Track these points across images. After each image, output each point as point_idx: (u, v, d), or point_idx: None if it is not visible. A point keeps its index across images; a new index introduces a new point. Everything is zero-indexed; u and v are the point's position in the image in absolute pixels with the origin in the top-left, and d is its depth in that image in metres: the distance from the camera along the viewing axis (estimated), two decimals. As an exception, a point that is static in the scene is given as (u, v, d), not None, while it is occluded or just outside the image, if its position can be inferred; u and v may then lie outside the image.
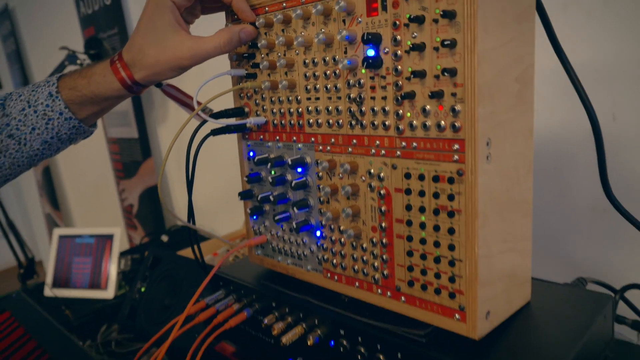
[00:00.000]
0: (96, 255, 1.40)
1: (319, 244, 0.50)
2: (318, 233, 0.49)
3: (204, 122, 0.52)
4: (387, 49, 0.39)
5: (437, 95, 0.36)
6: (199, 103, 0.53)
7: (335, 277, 0.49)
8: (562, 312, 0.43)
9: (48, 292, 1.35)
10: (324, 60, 0.44)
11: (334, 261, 0.48)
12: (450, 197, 0.37)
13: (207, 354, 0.56)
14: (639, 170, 0.66)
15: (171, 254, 0.94)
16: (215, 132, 0.53)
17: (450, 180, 0.37)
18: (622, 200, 0.51)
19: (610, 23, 0.64)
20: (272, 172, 0.53)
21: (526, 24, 0.39)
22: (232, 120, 0.54)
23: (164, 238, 1.45)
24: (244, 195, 0.55)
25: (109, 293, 1.32)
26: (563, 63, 0.45)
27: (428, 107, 0.37)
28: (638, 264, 0.65)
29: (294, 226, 0.50)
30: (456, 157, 0.36)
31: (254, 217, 0.56)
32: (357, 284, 0.47)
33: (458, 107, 0.35)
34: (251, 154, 0.55)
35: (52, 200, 2.94)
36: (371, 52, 0.40)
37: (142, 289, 0.92)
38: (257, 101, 0.53)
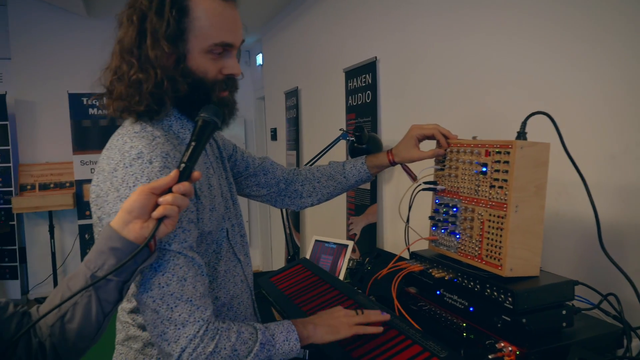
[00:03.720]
0: (335, 256, 2.26)
1: (458, 241, 1.20)
2: (457, 236, 1.20)
3: (418, 185, 1.29)
4: (489, 168, 1.10)
5: (500, 187, 1.06)
6: (416, 177, 1.31)
7: (462, 254, 1.19)
8: (548, 279, 1.06)
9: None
10: (468, 169, 1.17)
11: (462, 248, 1.18)
12: (501, 223, 1.06)
13: (404, 293, 1.30)
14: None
15: (384, 252, 1.72)
16: (423, 189, 1.29)
17: (502, 217, 1.06)
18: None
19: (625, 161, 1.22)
20: (444, 209, 1.25)
21: (541, 167, 1.06)
22: (430, 186, 1.29)
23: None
24: (431, 217, 1.29)
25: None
26: (580, 176, 1.10)
27: (498, 190, 1.07)
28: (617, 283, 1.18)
29: (449, 232, 1.22)
30: (504, 209, 1.05)
31: (433, 228, 1.30)
32: (469, 257, 1.16)
33: (506, 193, 1.05)
34: (437, 201, 1.29)
35: (295, 223, 4.04)
36: (483, 169, 1.12)
37: (369, 267, 1.70)
38: (442, 179, 1.27)
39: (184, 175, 0.88)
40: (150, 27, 0.98)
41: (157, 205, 0.85)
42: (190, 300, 0.91)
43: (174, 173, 0.87)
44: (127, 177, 0.91)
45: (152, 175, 0.92)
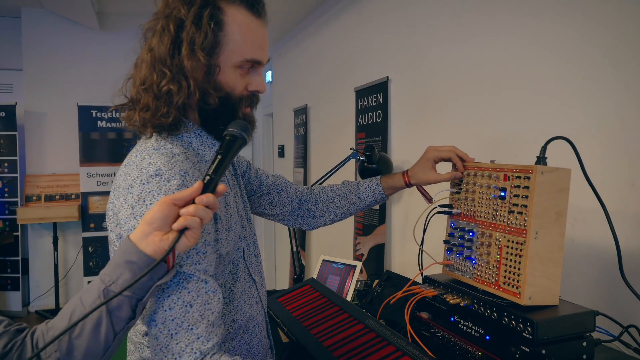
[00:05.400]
0: (343, 276, 2.22)
1: (474, 266, 1.17)
2: (473, 261, 1.17)
3: (434, 207, 1.26)
4: (507, 193, 1.08)
5: (520, 213, 1.04)
6: (432, 199, 1.29)
7: (478, 280, 1.16)
8: (568, 309, 1.03)
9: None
10: (486, 193, 1.15)
11: (478, 273, 1.16)
12: (520, 249, 1.03)
13: (415, 318, 1.27)
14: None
15: (395, 275, 1.69)
16: (439, 212, 1.27)
17: (521, 243, 1.03)
18: None
19: None
20: (459, 233, 1.23)
21: (562, 193, 1.03)
22: (446, 209, 1.27)
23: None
24: (446, 241, 1.27)
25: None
26: (601, 203, 1.08)
27: (517, 216, 1.05)
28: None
29: (464, 257, 1.19)
30: (524, 235, 1.03)
31: (448, 252, 1.27)
32: (485, 283, 1.13)
33: (526, 219, 1.02)
34: (452, 224, 1.27)
35: (301, 242, 4.01)
36: (502, 193, 1.09)
37: (379, 290, 1.67)
38: (458, 202, 1.25)
39: (209, 187, 0.85)
40: (188, 36, 0.96)
41: (178, 217, 0.83)
42: (191, 329, 0.86)
43: (197, 184, 0.84)
44: (144, 195, 0.89)
45: (169, 193, 0.89)
